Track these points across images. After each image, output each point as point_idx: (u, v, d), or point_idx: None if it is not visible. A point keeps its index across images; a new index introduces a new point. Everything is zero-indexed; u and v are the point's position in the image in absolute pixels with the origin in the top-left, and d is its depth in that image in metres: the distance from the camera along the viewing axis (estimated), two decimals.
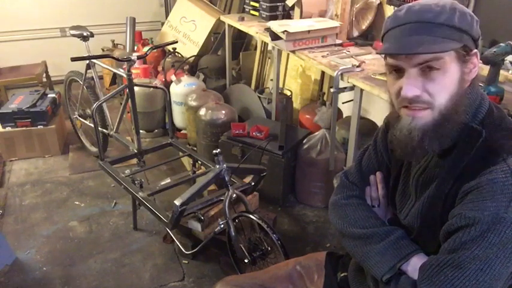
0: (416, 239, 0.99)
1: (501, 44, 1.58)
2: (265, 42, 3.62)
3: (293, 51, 2.44)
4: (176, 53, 3.84)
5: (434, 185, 0.93)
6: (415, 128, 0.87)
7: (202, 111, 2.95)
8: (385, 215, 1.11)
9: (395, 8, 2.19)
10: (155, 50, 2.93)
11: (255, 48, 3.97)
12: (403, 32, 0.86)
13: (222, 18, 3.51)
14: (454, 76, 0.85)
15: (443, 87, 0.84)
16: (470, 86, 0.89)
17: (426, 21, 0.83)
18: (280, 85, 3.39)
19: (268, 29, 2.53)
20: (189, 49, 3.97)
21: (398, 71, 0.88)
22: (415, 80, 0.85)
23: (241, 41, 4.18)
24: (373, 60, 2.23)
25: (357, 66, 2.10)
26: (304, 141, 2.62)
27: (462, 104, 0.86)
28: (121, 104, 2.77)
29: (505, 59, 1.67)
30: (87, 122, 3.07)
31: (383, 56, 0.91)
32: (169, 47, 3.75)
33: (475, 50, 0.87)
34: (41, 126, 3.19)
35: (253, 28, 2.99)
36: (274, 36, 2.45)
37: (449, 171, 0.89)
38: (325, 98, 3.05)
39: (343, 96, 2.46)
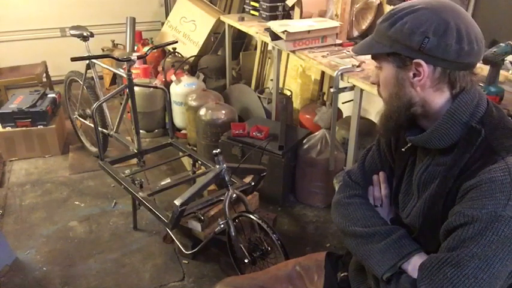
0: (418, 238, 1.00)
1: (501, 44, 1.59)
2: (265, 42, 3.62)
3: (293, 51, 2.44)
4: (176, 53, 3.84)
5: (436, 183, 0.94)
6: (380, 113, 1.02)
7: (202, 111, 2.95)
8: (388, 215, 1.12)
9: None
10: (155, 50, 2.92)
11: (255, 48, 3.97)
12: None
13: (222, 18, 3.51)
14: (389, 77, 0.95)
15: (382, 83, 0.98)
16: (437, 91, 0.90)
17: (377, 26, 0.95)
18: (280, 85, 3.39)
19: (268, 29, 2.53)
20: (189, 49, 3.98)
21: None
22: (374, 71, 1.01)
23: (241, 41, 4.18)
24: (373, 60, 2.23)
25: (357, 66, 2.10)
26: (304, 141, 2.62)
27: (404, 106, 0.93)
28: (121, 104, 2.77)
29: (505, 59, 1.67)
30: (87, 122, 3.07)
31: None
32: (169, 47, 3.76)
33: (417, 60, 0.88)
34: (41, 126, 3.19)
35: (253, 28, 2.99)
36: (274, 36, 2.45)
37: (450, 170, 0.90)
38: (325, 98, 3.05)
39: (343, 96, 2.46)
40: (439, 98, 0.92)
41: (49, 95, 3.43)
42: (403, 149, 1.05)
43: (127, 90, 2.40)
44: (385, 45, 0.91)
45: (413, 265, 0.94)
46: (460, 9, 0.89)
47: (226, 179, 1.90)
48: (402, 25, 0.88)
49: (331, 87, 2.23)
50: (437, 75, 0.89)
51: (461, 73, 0.89)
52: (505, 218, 0.80)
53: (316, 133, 2.62)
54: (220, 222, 1.91)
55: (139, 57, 2.35)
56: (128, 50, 2.78)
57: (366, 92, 2.01)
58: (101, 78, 3.97)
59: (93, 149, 3.23)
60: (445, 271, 0.83)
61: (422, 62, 0.88)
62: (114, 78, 4.19)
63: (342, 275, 1.21)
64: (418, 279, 0.88)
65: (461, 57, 0.86)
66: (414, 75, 0.90)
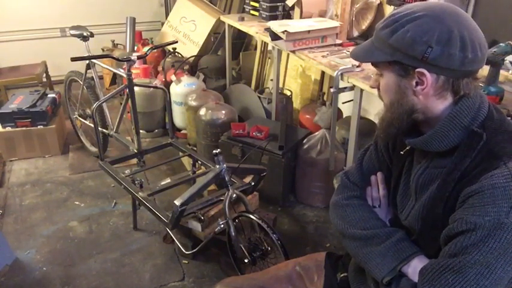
0: (417, 240, 0.99)
1: (501, 44, 1.59)
2: (265, 42, 3.62)
3: (293, 51, 2.43)
4: (176, 53, 3.84)
5: (435, 186, 0.93)
6: (379, 116, 1.00)
7: (202, 111, 2.95)
8: (386, 216, 1.11)
9: (395, 8, 2.19)
10: (155, 50, 2.92)
11: (255, 48, 3.97)
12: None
13: (222, 18, 3.51)
14: (391, 84, 0.94)
15: (383, 90, 0.97)
16: (440, 98, 0.89)
17: (376, 31, 0.93)
18: (280, 85, 3.38)
19: (268, 29, 2.53)
20: (189, 49, 3.97)
21: None
22: (374, 76, 1.01)
23: (241, 41, 4.18)
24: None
25: (357, 66, 2.10)
26: (304, 141, 2.62)
27: (406, 112, 0.92)
28: (121, 104, 2.77)
29: (505, 59, 1.67)
30: (87, 122, 3.07)
31: None
32: (169, 47, 3.75)
33: (420, 69, 0.86)
34: (41, 126, 3.19)
35: (253, 28, 2.99)
36: (274, 36, 2.45)
37: (451, 174, 0.89)
38: (325, 98, 3.05)
39: (343, 96, 2.46)
40: (441, 105, 0.91)
41: (49, 95, 3.42)
42: (401, 152, 1.04)
43: (127, 90, 2.40)
44: (386, 53, 0.89)
45: (414, 268, 0.94)
46: (462, 14, 0.87)
47: (226, 179, 1.90)
48: (404, 33, 0.86)
49: (331, 87, 2.23)
50: (441, 84, 0.88)
51: (465, 80, 0.88)
52: (507, 225, 0.80)
53: (316, 133, 2.62)
54: (220, 222, 1.91)
55: (139, 57, 2.35)
56: (127, 50, 2.78)
57: (366, 92, 2.01)
58: (101, 78, 3.97)
59: (93, 149, 3.23)
60: (446, 277, 0.83)
61: (425, 72, 0.86)
62: (114, 78, 4.19)
63: (342, 275, 1.20)
64: (419, 284, 0.88)
65: (465, 65, 0.84)
66: (417, 84, 0.89)
